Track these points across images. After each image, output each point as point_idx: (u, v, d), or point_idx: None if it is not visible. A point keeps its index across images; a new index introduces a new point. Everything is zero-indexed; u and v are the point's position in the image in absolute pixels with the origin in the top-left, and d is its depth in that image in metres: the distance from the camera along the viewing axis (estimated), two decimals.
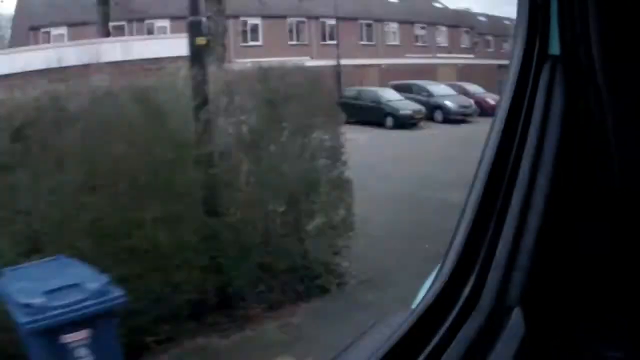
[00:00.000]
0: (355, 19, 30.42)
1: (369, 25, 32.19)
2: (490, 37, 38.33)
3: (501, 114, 0.91)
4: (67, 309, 3.01)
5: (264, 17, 28.39)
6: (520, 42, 0.92)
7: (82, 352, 3.04)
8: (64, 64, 8.64)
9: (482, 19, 39.19)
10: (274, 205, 4.46)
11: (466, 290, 0.84)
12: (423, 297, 0.89)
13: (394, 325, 0.83)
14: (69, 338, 3.02)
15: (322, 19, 29.40)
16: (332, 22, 28.69)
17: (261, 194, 4.46)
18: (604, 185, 0.88)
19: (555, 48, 0.90)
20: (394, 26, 33.16)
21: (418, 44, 33.28)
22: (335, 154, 4.90)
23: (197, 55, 4.70)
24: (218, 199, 4.33)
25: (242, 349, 3.97)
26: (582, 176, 0.89)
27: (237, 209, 4.34)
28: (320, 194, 4.73)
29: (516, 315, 0.82)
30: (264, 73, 4.85)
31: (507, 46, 38.55)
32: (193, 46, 4.77)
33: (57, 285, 3.13)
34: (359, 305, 3.97)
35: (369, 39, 32.10)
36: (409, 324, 0.82)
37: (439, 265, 0.89)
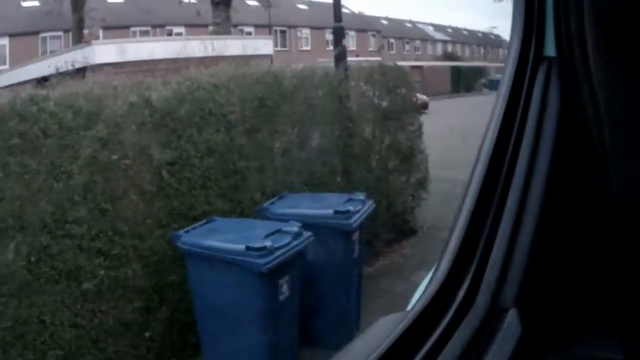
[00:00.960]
0: (269, 26, 30.38)
1: (282, 32, 32.48)
2: (392, 40, 39.23)
3: (497, 115, 0.91)
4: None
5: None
6: (516, 44, 0.92)
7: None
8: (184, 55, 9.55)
9: (384, 22, 39.91)
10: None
11: (462, 292, 0.85)
12: (419, 299, 0.90)
13: (389, 326, 0.84)
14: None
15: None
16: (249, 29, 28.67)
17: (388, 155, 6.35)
18: (599, 187, 0.87)
19: (550, 49, 0.90)
20: (305, 32, 33.35)
21: (329, 48, 33.14)
22: (418, 129, 6.69)
23: (340, 55, 6.17)
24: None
25: (386, 272, 5.70)
26: (577, 177, 0.89)
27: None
28: (410, 159, 6.51)
29: (512, 316, 0.82)
30: (381, 69, 6.53)
31: (408, 47, 40.14)
32: (338, 47, 6.28)
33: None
34: (439, 239, 5.52)
35: (283, 45, 32.14)
36: (405, 326, 0.83)
37: (434, 267, 0.89)
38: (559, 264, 0.88)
